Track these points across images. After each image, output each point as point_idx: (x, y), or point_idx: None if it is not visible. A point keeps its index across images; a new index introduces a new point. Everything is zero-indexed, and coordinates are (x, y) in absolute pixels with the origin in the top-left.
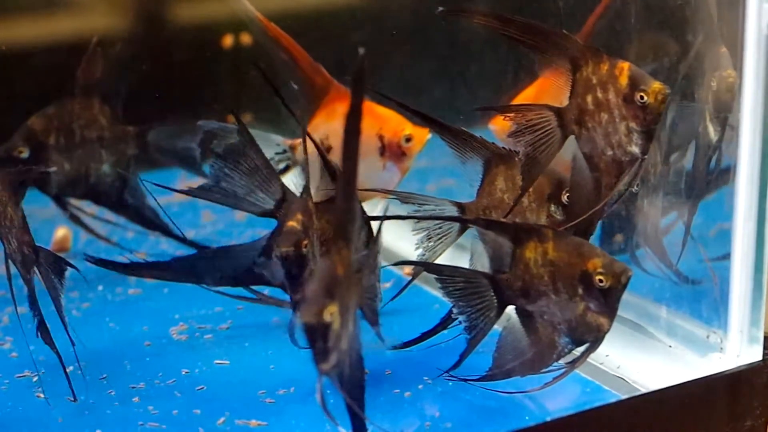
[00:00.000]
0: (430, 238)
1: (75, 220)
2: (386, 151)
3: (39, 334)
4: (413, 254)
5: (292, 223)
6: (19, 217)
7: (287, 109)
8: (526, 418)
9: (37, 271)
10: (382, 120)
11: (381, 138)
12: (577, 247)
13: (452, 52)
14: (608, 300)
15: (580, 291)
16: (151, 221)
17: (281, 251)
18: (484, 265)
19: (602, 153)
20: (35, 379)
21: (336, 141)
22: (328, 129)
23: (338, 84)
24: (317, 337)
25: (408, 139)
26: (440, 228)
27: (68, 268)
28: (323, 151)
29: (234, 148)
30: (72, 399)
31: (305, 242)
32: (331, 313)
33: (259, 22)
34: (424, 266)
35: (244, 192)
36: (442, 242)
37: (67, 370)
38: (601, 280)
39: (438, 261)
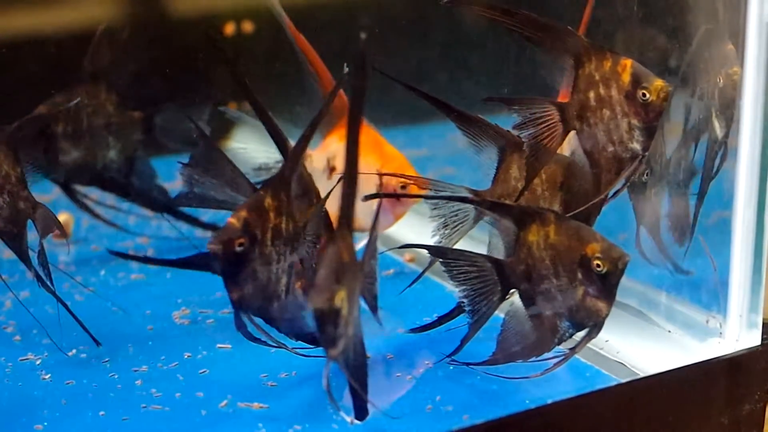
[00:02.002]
0: (446, 226)
1: (83, 206)
2: (381, 191)
3: (40, 284)
4: (415, 241)
5: (231, 220)
6: (18, 172)
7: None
8: (527, 401)
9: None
10: (387, 159)
11: (380, 176)
12: (577, 231)
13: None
14: (606, 285)
15: (580, 275)
16: (159, 204)
17: (209, 247)
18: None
19: (603, 149)
20: (38, 362)
21: (341, 163)
22: (337, 150)
23: None
24: (328, 322)
25: (403, 187)
26: (456, 215)
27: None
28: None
29: (199, 154)
30: (96, 344)
31: (240, 241)
32: (341, 299)
33: (290, 32)
34: (428, 249)
35: (218, 194)
36: (458, 230)
37: (68, 352)
38: (599, 265)
39: None
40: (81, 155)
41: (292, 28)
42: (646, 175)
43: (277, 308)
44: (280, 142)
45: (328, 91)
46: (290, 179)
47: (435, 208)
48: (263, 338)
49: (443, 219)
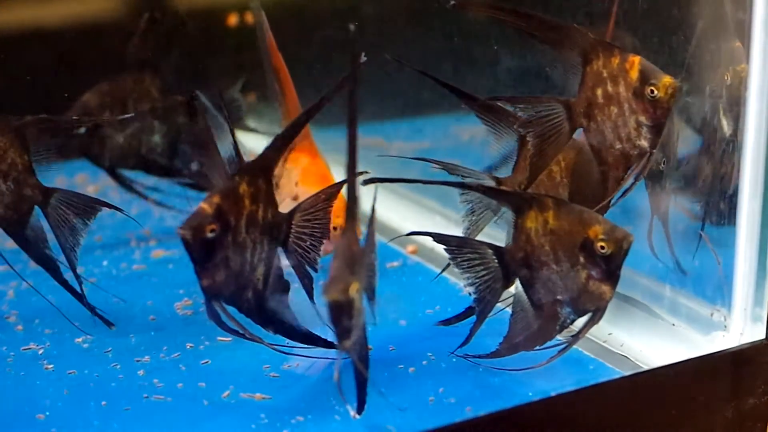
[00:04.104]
0: (473, 212)
1: (130, 189)
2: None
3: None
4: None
5: (203, 206)
6: (25, 160)
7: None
8: (530, 394)
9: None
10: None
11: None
12: (578, 215)
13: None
14: (610, 267)
15: (582, 259)
16: (201, 186)
17: (178, 232)
18: None
19: (611, 146)
20: (41, 351)
21: (285, 185)
22: (285, 172)
23: (312, 140)
24: (343, 314)
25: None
26: (481, 201)
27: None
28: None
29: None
30: (109, 326)
31: (211, 227)
32: (356, 290)
33: (269, 47)
34: (432, 237)
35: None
36: (483, 216)
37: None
38: (602, 247)
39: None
40: (127, 140)
41: (272, 44)
42: (663, 164)
43: (254, 300)
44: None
45: (290, 114)
46: (272, 166)
47: (463, 194)
48: (239, 330)
49: (471, 205)
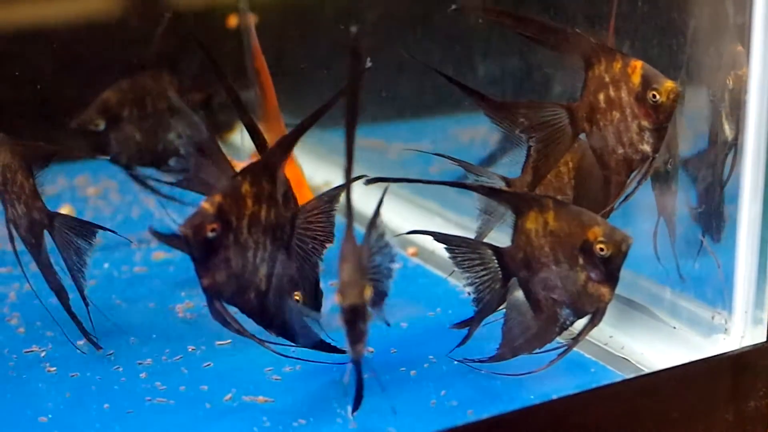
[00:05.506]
0: (487, 212)
1: (145, 187)
2: None
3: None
4: (418, 236)
5: (204, 205)
6: (31, 184)
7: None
8: (531, 397)
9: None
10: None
11: None
12: (578, 217)
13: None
14: (609, 269)
15: (581, 261)
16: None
17: (180, 230)
18: None
19: (613, 151)
20: (43, 354)
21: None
22: None
23: None
24: (358, 318)
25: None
26: (493, 203)
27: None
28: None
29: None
30: (97, 348)
31: (212, 226)
32: (369, 294)
33: (252, 47)
34: (432, 235)
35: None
36: (494, 216)
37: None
38: (602, 249)
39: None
40: (143, 138)
41: (255, 45)
42: (669, 164)
43: (256, 302)
44: (254, 134)
45: (267, 115)
46: (276, 167)
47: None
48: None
49: (484, 204)
